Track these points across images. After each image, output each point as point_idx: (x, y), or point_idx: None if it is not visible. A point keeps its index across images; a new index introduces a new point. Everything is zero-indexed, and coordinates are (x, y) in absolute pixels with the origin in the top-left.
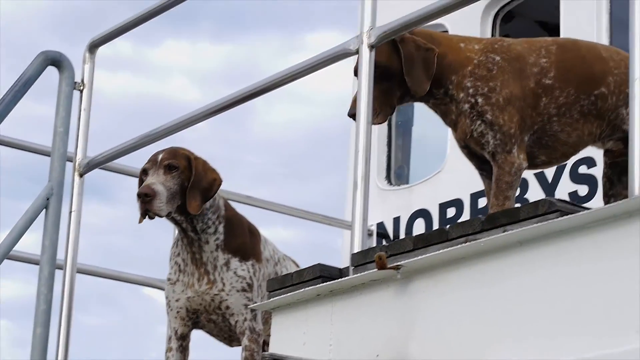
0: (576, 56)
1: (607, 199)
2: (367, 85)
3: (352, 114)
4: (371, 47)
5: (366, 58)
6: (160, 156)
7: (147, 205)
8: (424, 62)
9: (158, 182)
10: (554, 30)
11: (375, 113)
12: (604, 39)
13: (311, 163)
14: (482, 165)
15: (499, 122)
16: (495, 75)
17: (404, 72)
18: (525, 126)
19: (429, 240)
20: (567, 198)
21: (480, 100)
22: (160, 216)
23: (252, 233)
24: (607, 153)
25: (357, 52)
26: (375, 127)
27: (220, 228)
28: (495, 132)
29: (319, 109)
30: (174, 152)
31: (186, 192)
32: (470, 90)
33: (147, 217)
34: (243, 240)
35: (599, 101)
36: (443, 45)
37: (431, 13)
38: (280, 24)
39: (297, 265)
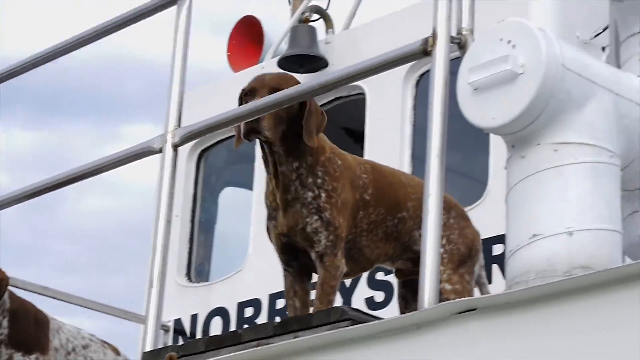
0: (385, 180)
1: None
2: (169, 183)
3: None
4: (175, 146)
5: (169, 157)
6: None
7: None
8: (319, 124)
9: None
10: (360, 137)
11: (270, 128)
12: (406, 147)
13: (119, 253)
14: (290, 262)
15: (335, 224)
16: (338, 177)
17: (304, 119)
18: (346, 234)
19: (222, 342)
20: (363, 304)
21: (323, 195)
22: None
23: (40, 323)
24: (397, 272)
25: (160, 150)
26: (177, 223)
27: (4, 323)
28: (330, 232)
29: (130, 200)
30: None
31: None
32: (319, 181)
33: None
34: (28, 334)
35: (400, 224)
36: None
37: (238, 116)
38: (97, 113)
39: (118, 352)
